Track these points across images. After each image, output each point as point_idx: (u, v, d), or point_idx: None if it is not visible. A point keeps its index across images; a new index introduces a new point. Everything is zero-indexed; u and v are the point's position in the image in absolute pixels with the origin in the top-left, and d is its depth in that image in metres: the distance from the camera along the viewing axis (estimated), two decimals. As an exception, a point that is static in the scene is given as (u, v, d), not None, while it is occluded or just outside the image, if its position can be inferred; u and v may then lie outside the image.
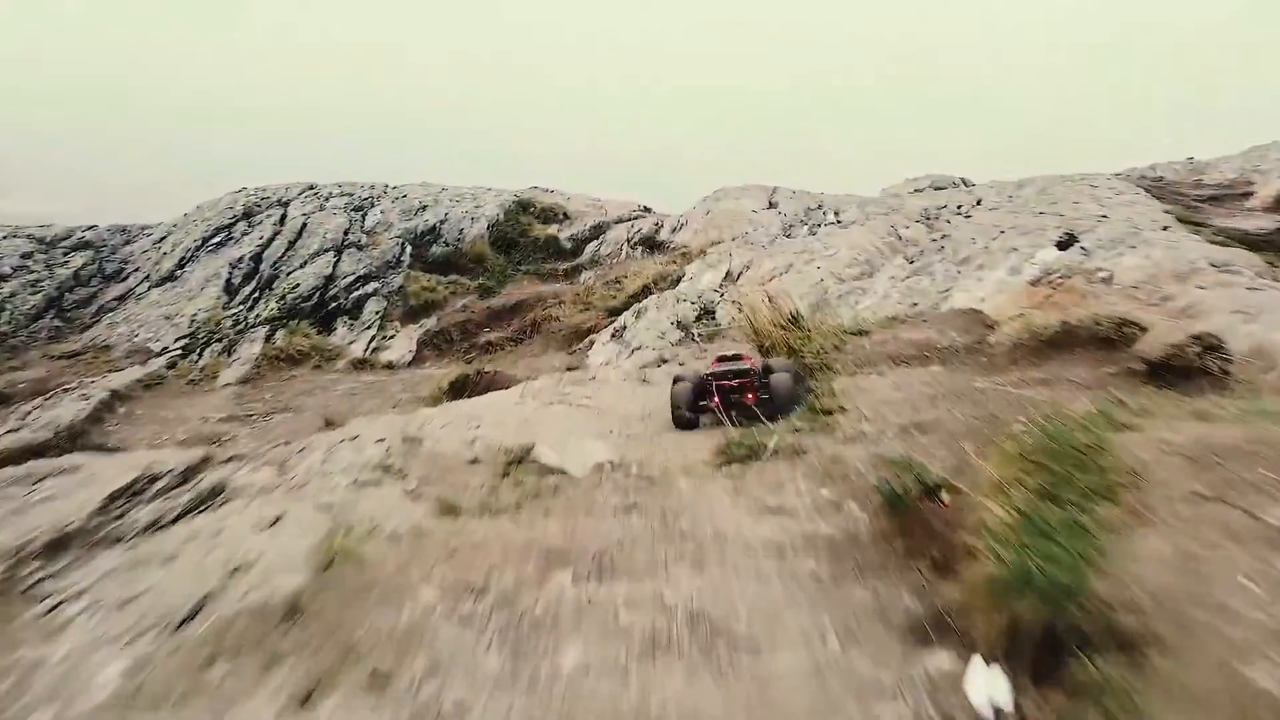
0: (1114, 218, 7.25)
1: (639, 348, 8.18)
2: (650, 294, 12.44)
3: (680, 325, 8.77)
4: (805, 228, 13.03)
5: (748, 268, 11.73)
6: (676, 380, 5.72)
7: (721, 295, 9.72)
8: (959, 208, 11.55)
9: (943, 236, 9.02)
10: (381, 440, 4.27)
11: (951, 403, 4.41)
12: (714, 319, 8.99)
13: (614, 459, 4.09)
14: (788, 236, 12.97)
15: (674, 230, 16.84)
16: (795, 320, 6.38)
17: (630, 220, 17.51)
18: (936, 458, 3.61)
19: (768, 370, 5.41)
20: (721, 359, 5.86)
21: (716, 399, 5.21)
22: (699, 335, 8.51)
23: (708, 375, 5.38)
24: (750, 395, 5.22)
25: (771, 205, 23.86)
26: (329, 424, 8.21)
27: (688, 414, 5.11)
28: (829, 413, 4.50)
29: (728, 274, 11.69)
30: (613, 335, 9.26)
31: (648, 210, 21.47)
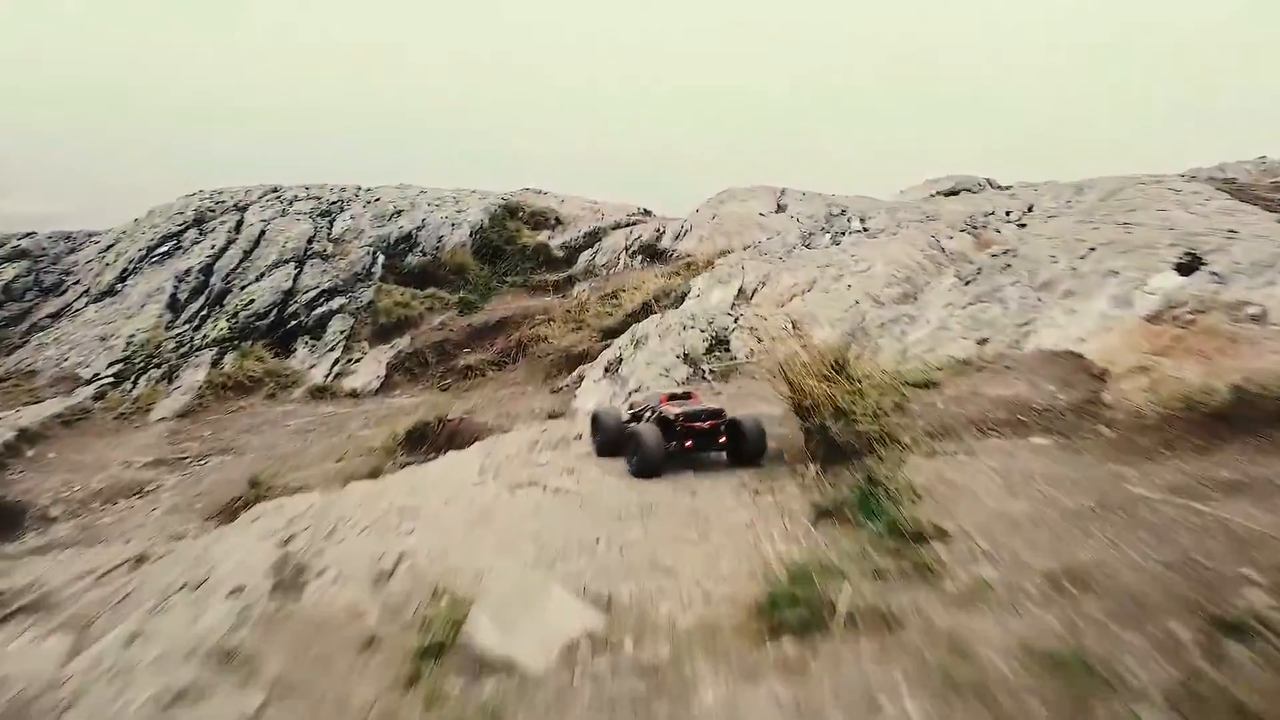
0: (1244, 233, 5.80)
1: (637, 389, 6.73)
2: (651, 312, 11.01)
3: (688, 359, 7.32)
4: (827, 236, 11.58)
5: (763, 283, 10.28)
6: (635, 417, 5.40)
7: (736, 319, 8.26)
8: (1008, 214, 10.11)
9: (1005, 252, 7.56)
10: (236, 592, 2.79)
11: (1110, 525, 2.97)
12: (728, 351, 7.53)
13: (595, 627, 2.63)
14: (807, 246, 11.53)
15: (677, 237, 15.40)
16: (839, 368, 4.92)
17: (629, 225, 16.07)
18: (1137, 657, 2.16)
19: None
20: (672, 397, 5.45)
21: (690, 443, 4.88)
22: (711, 373, 7.06)
23: (678, 415, 5.01)
24: (724, 438, 4.95)
25: (780, 208, 22.52)
26: (253, 487, 6.76)
27: (656, 461, 4.66)
28: (921, 537, 3.04)
29: (740, 291, 10.25)
30: (606, 370, 7.80)
31: (648, 214, 20.06)
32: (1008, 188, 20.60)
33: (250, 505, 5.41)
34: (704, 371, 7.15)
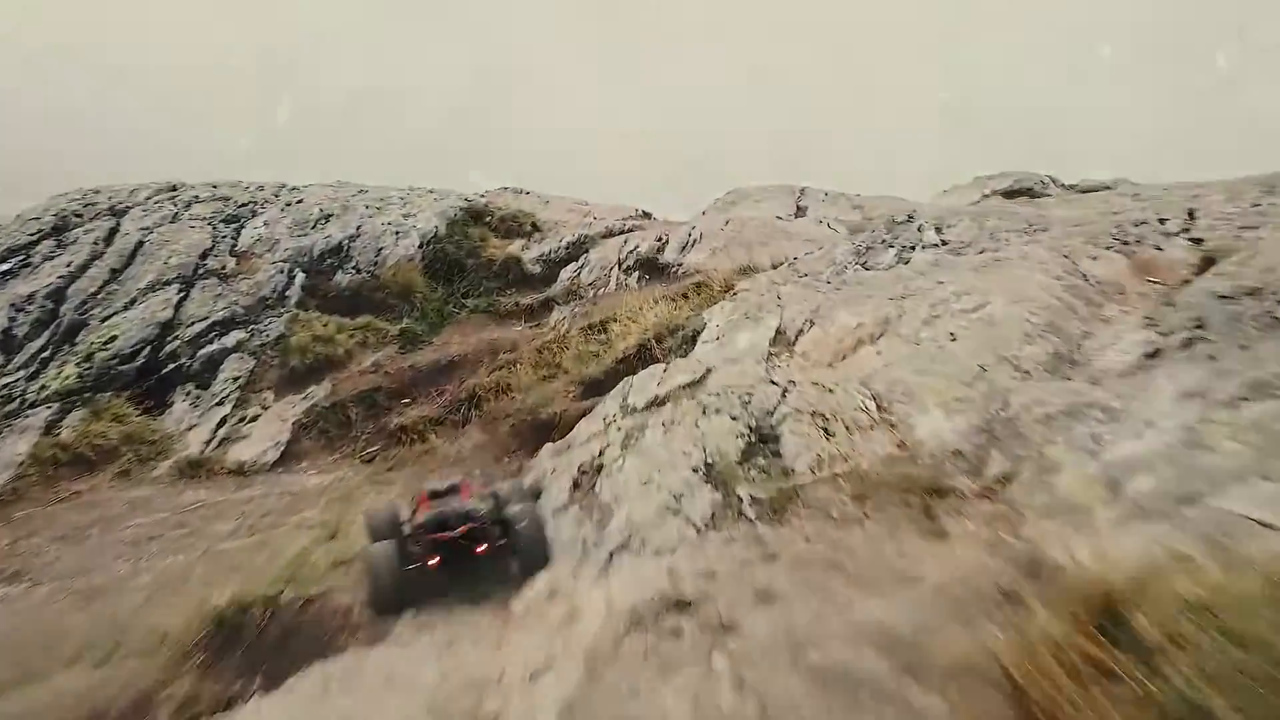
0: None
1: (626, 545, 3.81)
2: (651, 358, 8.13)
3: (712, 473, 4.38)
4: (891, 252, 8.70)
5: (811, 322, 7.41)
6: (371, 529, 4.65)
7: (783, 391, 5.32)
8: (1162, 222, 7.22)
9: (1253, 294, 4.62)
10: None
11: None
12: (777, 455, 4.59)
13: None
14: (864, 267, 8.65)
15: (683, 248, 12.52)
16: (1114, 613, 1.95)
17: (624, 232, 13.18)
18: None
19: (498, 501, 4.52)
20: (434, 494, 4.60)
21: (435, 559, 3.98)
22: (754, 504, 4.12)
23: (418, 525, 4.18)
24: (484, 545, 4.07)
25: (800, 211, 19.71)
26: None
27: (393, 592, 3.84)
28: None
29: (779, 334, 7.37)
30: (574, 487, 4.80)
31: (647, 215, 17.21)
32: (1072, 185, 17.71)
33: None
34: (742, 503, 4.21)
